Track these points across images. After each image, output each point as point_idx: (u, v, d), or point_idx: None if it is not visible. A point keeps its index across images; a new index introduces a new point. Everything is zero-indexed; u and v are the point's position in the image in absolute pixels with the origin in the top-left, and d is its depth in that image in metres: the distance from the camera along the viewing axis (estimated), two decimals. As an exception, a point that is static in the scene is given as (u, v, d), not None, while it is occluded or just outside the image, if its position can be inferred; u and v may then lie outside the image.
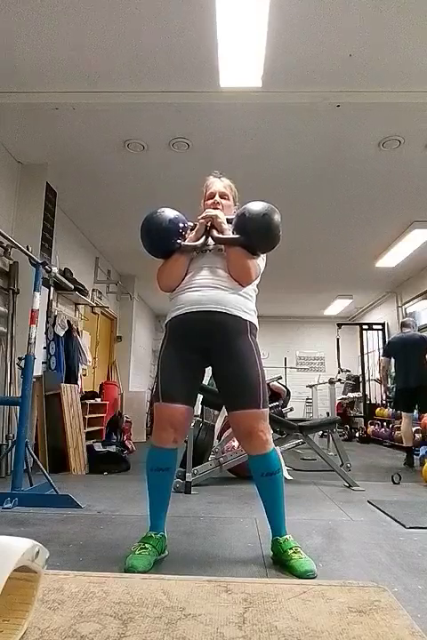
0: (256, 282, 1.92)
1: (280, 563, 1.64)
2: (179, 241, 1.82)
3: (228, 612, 0.65)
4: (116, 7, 2.45)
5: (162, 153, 3.76)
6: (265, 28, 2.48)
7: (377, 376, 8.36)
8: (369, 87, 2.97)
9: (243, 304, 1.78)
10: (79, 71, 2.91)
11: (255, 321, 1.83)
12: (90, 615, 0.63)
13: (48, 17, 2.51)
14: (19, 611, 0.58)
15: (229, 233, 1.82)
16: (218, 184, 2.01)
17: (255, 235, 1.78)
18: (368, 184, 4.23)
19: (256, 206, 1.79)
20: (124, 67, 2.86)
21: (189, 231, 1.89)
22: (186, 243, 1.83)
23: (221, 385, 1.79)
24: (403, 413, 4.68)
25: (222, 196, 1.98)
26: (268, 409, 1.73)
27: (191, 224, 1.92)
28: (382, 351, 5.03)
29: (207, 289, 1.75)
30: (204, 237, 1.85)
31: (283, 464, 2.85)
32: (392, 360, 5.02)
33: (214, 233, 1.84)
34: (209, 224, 1.86)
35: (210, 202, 1.97)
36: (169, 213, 1.84)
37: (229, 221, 1.86)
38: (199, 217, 1.90)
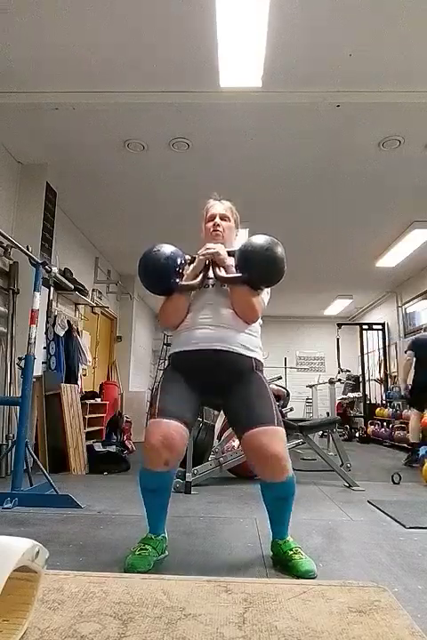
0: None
1: (280, 563, 1.64)
2: (177, 280, 1.75)
3: (228, 612, 0.65)
4: (117, 7, 2.45)
5: (162, 153, 3.76)
6: (265, 28, 2.48)
7: (378, 375, 8.40)
8: (369, 87, 2.97)
9: (248, 341, 1.74)
10: (79, 71, 2.91)
11: (261, 358, 1.80)
12: (90, 615, 0.63)
13: (48, 17, 2.51)
14: (19, 611, 0.58)
15: (231, 267, 1.76)
16: (218, 206, 1.96)
17: (259, 271, 1.73)
18: (368, 184, 4.23)
19: (259, 240, 1.73)
20: (124, 67, 2.86)
21: (187, 266, 1.83)
22: (184, 282, 1.78)
23: (231, 412, 1.73)
24: (414, 411, 4.75)
25: (223, 217, 1.93)
26: (284, 429, 1.62)
27: (189, 257, 1.87)
28: (407, 347, 4.92)
29: (211, 328, 1.71)
30: (202, 275, 1.80)
31: None
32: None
33: (217, 271, 1.77)
34: (209, 261, 1.80)
35: (210, 224, 1.93)
36: (166, 250, 1.77)
37: (230, 254, 1.81)
38: (199, 251, 1.84)
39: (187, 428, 1.62)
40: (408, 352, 4.81)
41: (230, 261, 1.78)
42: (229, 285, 1.77)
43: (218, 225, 1.91)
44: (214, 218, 1.93)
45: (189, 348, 1.72)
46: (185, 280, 1.79)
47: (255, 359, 1.75)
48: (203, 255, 1.81)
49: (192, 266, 1.83)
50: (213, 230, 1.91)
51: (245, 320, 1.75)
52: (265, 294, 1.85)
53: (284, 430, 1.62)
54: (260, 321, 1.87)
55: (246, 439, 1.58)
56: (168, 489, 1.68)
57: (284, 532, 1.69)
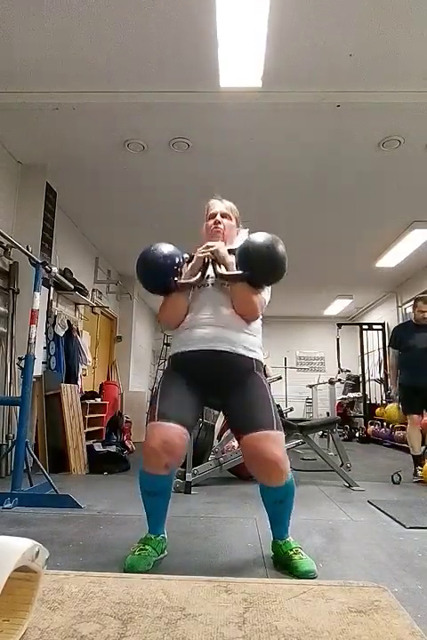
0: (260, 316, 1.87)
1: (281, 563, 1.64)
2: (175, 279, 1.75)
3: (228, 612, 0.65)
4: (116, 7, 2.45)
5: (162, 153, 3.76)
6: (265, 28, 2.48)
7: (378, 375, 8.38)
8: (369, 87, 2.97)
9: (248, 342, 1.72)
10: (79, 71, 2.91)
11: (261, 358, 1.78)
12: (90, 615, 0.63)
13: (48, 17, 2.50)
14: (19, 611, 0.58)
15: (232, 265, 1.75)
16: (219, 205, 1.96)
17: (260, 269, 1.71)
18: (368, 184, 4.22)
19: (259, 238, 1.72)
20: (124, 67, 2.86)
21: (185, 265, 1.82)
22: (182, 281, 1.77)
23: (232, 414, 1.72)
24: (410, 417, 3.92)
25: (224, 215, 1.93)
26: (283, 434, 1.62)
27: (188, 256, 1.86)
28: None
29: (211, 328, 1.69)
30: (200, 274, 1.79)
31: None
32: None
33: (218, 269, 1.77)
34: (208, 259, 1.80)
35: (211, 222, 1.92)
36: (163, 249, 1.77)
37: (231, 252, 1.80)
38: (199, 249, 1.83)
39: (187, 431, 1.62)
40: (392, 351, 4.22)
41: (231, 259, 1.78)
42: (230, 283, 1.76)
43: (219, 222, 1.90)
44: (215, 216, 1.92)
45: (189, 349, 1.71)
46: (184, 278, 1.78)
47: (256, 360, 1.74)
48: (202, 252, 1.80)
49: (191, 264, 1.82)
50: (214, 227, 1.90)
51: (246, 318, 1.74)
52: (266, 293, 1.83)
53: (283, 434, 1.61)
54: (260, 320, 1.86)
55: (246, 443, 1.58)
56: (168, 491, 1.68)
57: (284, 533, 1.68)
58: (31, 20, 2.52)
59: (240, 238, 1.88)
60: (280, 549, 1.65)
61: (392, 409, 4.27)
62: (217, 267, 1.77)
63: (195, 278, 1.78)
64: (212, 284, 1.81)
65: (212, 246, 1.80)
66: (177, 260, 1.77)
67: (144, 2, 2.41)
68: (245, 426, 1.59)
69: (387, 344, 4.45)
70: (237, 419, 1.68)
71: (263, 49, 2.63)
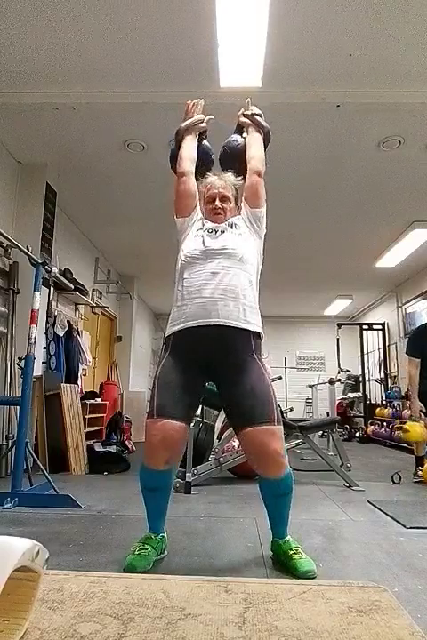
0: (259, 270, 1.85)
1: (280, 563, 1.64)
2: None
3: (228, 612, 0.65)
4: (117, 7, 2.45)
5: (162, 153, 3.75)
6: (265, 27, 2.48)
7: (378, 375, 8.39)
8: (369, 87, 2.97)
9: (247, 314, 1.68)
10: (79, 71, 2.91)
11: (260, 327, 1.73)
12: (90, 615, 0.63)
13: (48, 17, 2.51)
14: (19, 611, 0.58)
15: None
16: (218, 184, 1.91)
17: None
18: (368, 184, 4.23)
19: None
20: (124, 67, 2.86)
21: (201, 220, 1.90)
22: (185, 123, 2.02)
23: (230, 404, 1.69)
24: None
25: (223, 198, 1.89)
26: (282, 427, 1.63)
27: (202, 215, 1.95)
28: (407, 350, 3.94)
29: (211, 302, 1.65)
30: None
31: None
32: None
33: (246, 111, 2.03)
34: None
35: (210, 207, 1.89)
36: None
37: (233, 226, 1.83)
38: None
39: (186, 424, 1.63)
40: (410, 360, 3.87)
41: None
42: (252, 124, 1.99)
43: (218, 208, 1.87)
44: (214, 199, 1.89)
45: (188, 325, 1.66)
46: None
47: (254, 332, 1.69)
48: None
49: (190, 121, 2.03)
50: (215, 211, 1.88)
51: (252, 188, 1.86)
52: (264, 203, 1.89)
53: (282, 427, 1.62)
54: (260, 257, 1.87)
55: (245, 436, 1.59)
56: (168, 488, 1.69)
57: (283, 532, 1.69)
58: (31, 19, 2.52)
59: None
60: (280, 549, 1.65)
61: (415, 430, 3.71)
62: (244, 112, 2.04)
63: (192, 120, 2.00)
64: (222, 232, 1.79)
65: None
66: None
67: (144, 2, 2.41)
68: (245, 419, 1.59)
69: (404, 352, 4.21)
70: (236, 409, 1.65)
71: (263, 49, 2.63)
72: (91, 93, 3.08)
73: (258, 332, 1.72)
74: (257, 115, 2.01)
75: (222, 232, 1.80)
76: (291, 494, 1.65)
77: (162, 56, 2.77)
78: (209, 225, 1.84)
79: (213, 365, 1.68)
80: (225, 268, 1.70)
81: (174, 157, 1.98)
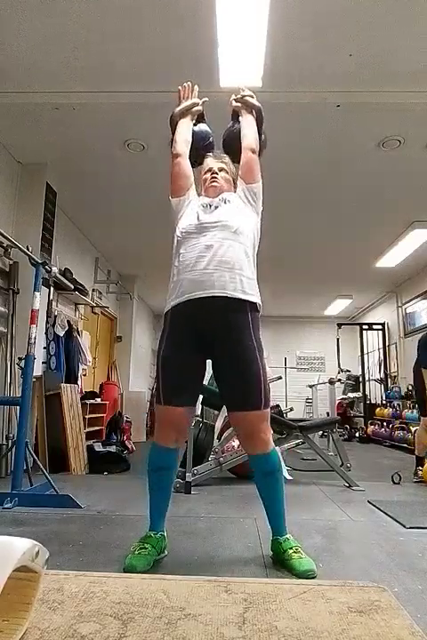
0: (256, 245, 1.85)
1: (280, 562, 1.64)
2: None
3: (228, 612, 0.65)
4: (117, 7, 2.45)
5: (162, 153, 3.74)
6: (265, 27, 2.48)
7: (378, 375, 8.38)
8: (369, 87, 2.97)
9: (244, 285, 1.68)
10: (79, 71, 2.91)
11: (258, 298, 1.73)
12: (90, 615, 0.63)
13: (48, 17, 2.51)
14: (19, 611, 0.58)
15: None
16: (215, 162, 1.98)
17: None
18: (369, 184, 4.23)
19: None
20: (124, 66, 2.86)
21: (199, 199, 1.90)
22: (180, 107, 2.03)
23: (222, 383, 1.75)
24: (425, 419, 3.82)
25: (220, 169, 1.94)
26: (269, 409, 1.70)
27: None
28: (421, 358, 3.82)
29: (206, 274, 1.65)
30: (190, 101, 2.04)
31: (283, 464, 2.85)
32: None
33: (238, 95, 2.03)
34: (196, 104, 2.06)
35: (208, 175, 1.93)
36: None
37: (227, 201, 1.85)
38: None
39: (192, 406, 1.78)
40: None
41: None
42: (244, 106, 2.01)
43: (215, 173, 1.92)
44: (211, 169, 1.94)
45: (185, 298, 1.67)
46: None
47: (250, 302, 1.69)
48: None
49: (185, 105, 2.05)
50: (211, 179, 1.91)
51: (247, 165, 1.88)
52: (259, 188, 1.90)
53: (269, 410, 1.70)
54: (257, 228, 1.87)
55: (236, 417, 1.71)
56: (173, 470, 1.77)
57: (282, 528, 1.69)
58: (31, 19, 2.52)
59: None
60: (280, 548, 1.65)
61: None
62: (235, 97, 2.04)
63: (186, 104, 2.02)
64: (216, 207, 1.80)
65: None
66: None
67: (145, 2, 2.41)
68: (236, 403, 1.69)
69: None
70: (228, 392, 1.73)
71: (263, 49, 2.63)
72: (91, 93, 3.09)
73: (255, 304, 1.72)
74: (248, 96, 2.03)
75: (216, 207, 1.81)
76: (279, 477, 1.71)
77: (162, 56, 2.76)
78: (204, 200, 1.87)
79: (209, 340, 1.68)
80: (219, 240, 1.70)
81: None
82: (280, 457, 1.79)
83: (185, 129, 1.99)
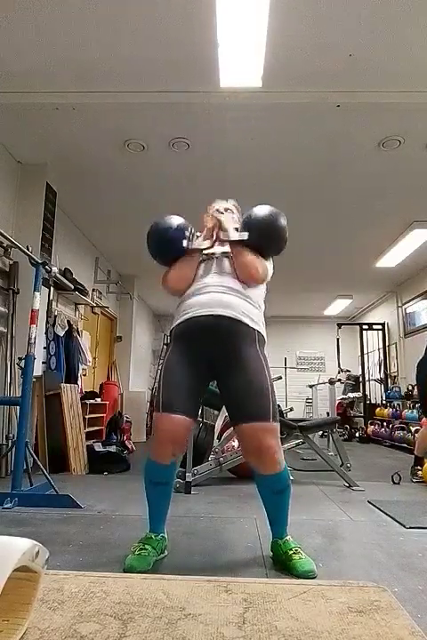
0: (264, 290, 1.88)
1: (280, 563, 1.64)
2: (185, 243, 1.82)
3: (228, 612, 0.65)
4: (116, 7, 2.45)
5: (162, 153, 3.76)
6: (265, 27, 2.48)
7: (378, 375, 8.37)
8: (369, 87, 2.97)
9: (251, 312, 1.73)
10: (79, 71, 2.91)
11: (264, 332, 1.78)
12: (90, 615, 0.63)
13: (48, 17, 2.51)
14: (19, 611, 0.58)
15: (235, 234, 1.83)
16: (221, 203, 2.03)
17: (260, 233, 1.79)
18: (368, 184, 4.22)
19: (262, 209, 1.82)
20: (123, 67, 2.86)
21: (195, 237, 1.90)
22: (193, 246, 1.84)
23: (228, 396, 1.71)
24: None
25: (226, 209, 1.99)
26: (278, 424, 1.65)
27: (198, 234, 1.93)
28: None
29: (215, 293, 1.71)
30: (209, 241, 1.87)
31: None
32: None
33: (221, 234, 1.85)
34: (216, 228, 1.87)
35: (212, 210, 1.97)
36: (175, 220, 1.87)
37: (236, 230, 1.87)
38: (206, 215, 1.94)
39: (192, 418, 1.69)
40: None
41: (234, 234, 1.84)
42: (232, 247, 1.82)
43: (219, 210, 1.95)
44: (216, 209, 1.98)
45: (189, 316, 1.72)
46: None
47: (258, 332, 1.73)
48: (210, 222, 1.88)
49: (201, 234, 1.91)
50: (215, 211, 1.96)
51: (247, 281, 1.77)
52: (269, 264, 1.87)
53: (278, 425, 1.65)
54: (264, 291, 1.88)
55: (241, 430, 1.63)
56: (171, 483, 1.72)
57: (283, 531, 1.69)
58: (30, 20, 2.52)
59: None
60: (280, 549, 1.65)
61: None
62: (221, 233, 1.85)
63: (208, 242, 1.86)
64: (218, 257, 1.84)
65: (218, 218, 1.88)
66: (189, 229, 1.86)
67: (144, 2, 2.41)
68: (242, 415, 1.62)
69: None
70: (233, 402, 1.68)
71: (263, 49, 2.63)
72: (91, 93, 3.08)
73: (262, 334, 1.76)
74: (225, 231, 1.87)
75: (218, 263, 1.83)
76: (288, 492, 1.66)
77: (162, 56, 2.76)
78: (205, 250, 1.87)
79: (213, 357, 1.70)
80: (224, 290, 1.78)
81: (168, 241, 1.87)
82: (289, 477, 1.71)
83: (190, 269, 1.85)
